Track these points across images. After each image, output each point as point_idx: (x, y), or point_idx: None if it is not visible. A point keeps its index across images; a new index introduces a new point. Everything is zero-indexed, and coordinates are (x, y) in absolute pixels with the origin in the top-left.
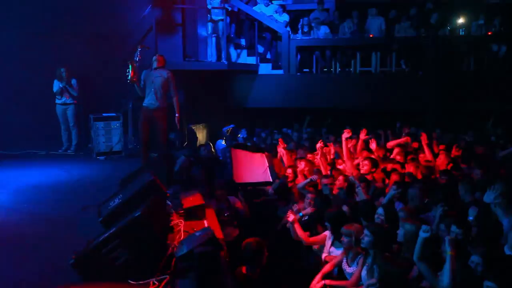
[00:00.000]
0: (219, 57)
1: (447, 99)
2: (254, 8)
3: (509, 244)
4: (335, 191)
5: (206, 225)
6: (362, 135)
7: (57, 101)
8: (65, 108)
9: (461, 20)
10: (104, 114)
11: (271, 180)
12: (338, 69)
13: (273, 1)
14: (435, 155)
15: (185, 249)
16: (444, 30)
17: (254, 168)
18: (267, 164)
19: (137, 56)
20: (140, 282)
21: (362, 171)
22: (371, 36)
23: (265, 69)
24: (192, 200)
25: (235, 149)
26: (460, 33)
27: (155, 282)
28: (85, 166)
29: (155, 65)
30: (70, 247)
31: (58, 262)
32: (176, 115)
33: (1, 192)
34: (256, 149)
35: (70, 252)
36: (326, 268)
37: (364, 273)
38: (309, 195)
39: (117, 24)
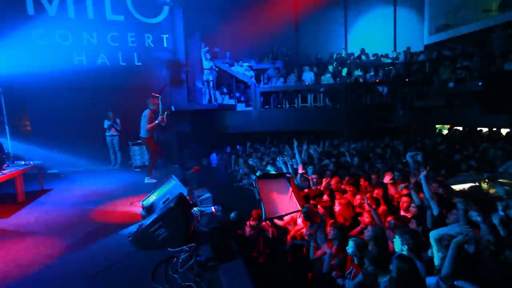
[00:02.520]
0: (210, 100)
1: (356, 121)
2: (232, 68)
3: None
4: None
5: (213, 210)
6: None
7: (107, 134)
8: (112, 138)
9: (358, 73)
10: (138, 141)
11: (300, 209)
12: (287, 105)
13: (244, 63)
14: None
15: (206, 221)
16: (351, 79)
17: (282, 197)
18: (291, 189)
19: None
20: (177, 249)
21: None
22: (306, 84)
23: (240, 107)
24: (203, 194)
25: (260, 180)
26: (360, 81)
27: (186, 248)
28: (128, 175)
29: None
30: (124, 230)
31: (117, 241)
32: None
33: (69, 196)
34: (278, 174)
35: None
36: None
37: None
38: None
39: (144, 81)
